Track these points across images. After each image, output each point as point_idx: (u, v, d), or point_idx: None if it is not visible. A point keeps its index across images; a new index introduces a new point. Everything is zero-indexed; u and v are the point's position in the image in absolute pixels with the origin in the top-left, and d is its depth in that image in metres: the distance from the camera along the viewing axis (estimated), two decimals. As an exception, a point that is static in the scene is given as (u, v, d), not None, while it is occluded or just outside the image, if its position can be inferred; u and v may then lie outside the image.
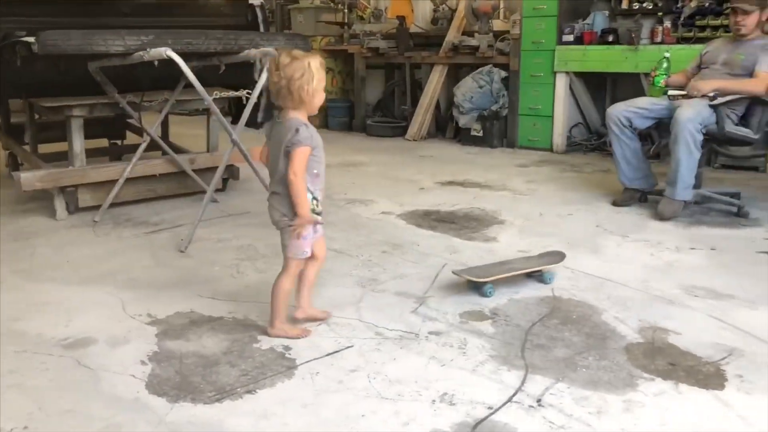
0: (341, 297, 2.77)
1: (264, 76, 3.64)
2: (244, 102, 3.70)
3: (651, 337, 2.39)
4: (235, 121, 4.19)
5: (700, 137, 3.76)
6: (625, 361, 2.21)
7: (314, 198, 2.31)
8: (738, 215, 3.95)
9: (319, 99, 2.25)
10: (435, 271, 3.08)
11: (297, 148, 2.18)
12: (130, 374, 2.15)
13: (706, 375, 2.12)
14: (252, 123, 4.52)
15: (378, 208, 4.29)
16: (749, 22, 3.93)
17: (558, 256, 3.06)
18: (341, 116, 8.12)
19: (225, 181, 4.65)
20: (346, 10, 8.05)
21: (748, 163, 5.29)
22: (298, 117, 2.24)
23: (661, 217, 3.86)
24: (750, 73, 3.89)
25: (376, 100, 8.40)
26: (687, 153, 3.76)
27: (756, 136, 3.96)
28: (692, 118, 3.72)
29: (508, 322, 2.52)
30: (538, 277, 2.94)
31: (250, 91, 3.70)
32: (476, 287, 2.79)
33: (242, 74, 4.16)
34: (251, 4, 4.63)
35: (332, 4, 8.17)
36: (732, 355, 2.23)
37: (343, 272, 3.07)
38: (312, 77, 2.18)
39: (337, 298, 2.76)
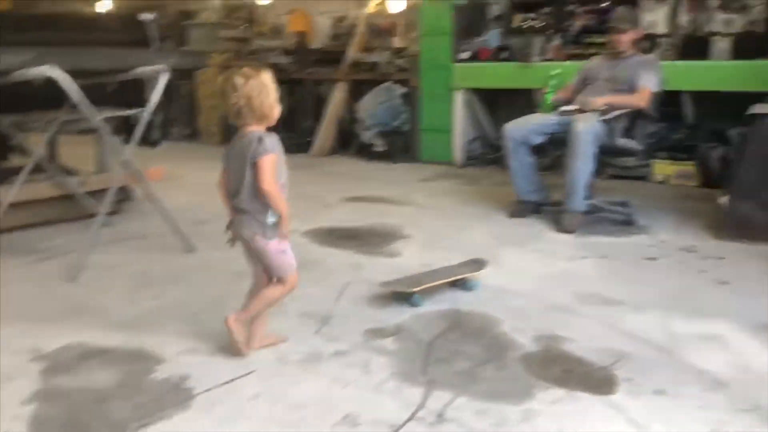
0: (242, 321, 2.70)
1: (157, 93, 3.53)
2: (136, 121, 3.56)
3: (547, 345, 2.47)
4: (127, 140, 4.03)
5: (595, 149, 3.96)
6: (522, 370, 2.27)
7: None
8: (627, 223, 4.17)
9: (277, 110, 2.28)
10: (339, 289, 3.07)
11: (263, 157, 2.18)
12: (11, 415, 2.01)
13: (599, 380, 2.21)
14: (146, 142, 4.38)
15: (280, 226, 4.23)
16: (625, 40, 4.22)
17: (480, 264, 3.17)
18: (243, 133, 7.96)
19: (119, 203, 4.46)
20: (244, 26, 7.94)
21: (634, 173, 5.59)
22: (258, 129, 2.24)
23: (566, 230, 3.99)
24: (632, 88, 4.15)
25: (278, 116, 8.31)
26: (584, 165, 3.95)
27: (640, 147, 4.23)
28: (588, 131, 3.92)
29: (411, 338, 2.54)
30: (462, 285, 3.03)
31: (142, 110, 3.57)
32: (405, 298, 2.85)
33: (134, 92, 4.01)
34: (142, 20, 4.47)
35: (230, 20, 8.04)
36: (622, 359, 2.34)
37: (244, 295, 2.99)
38: (269, 91, 2.23)
39: (237, 322, 2.69)
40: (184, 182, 5.74)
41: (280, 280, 2.35)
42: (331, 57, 7.62)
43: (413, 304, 2.82)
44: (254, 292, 2.42)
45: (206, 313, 2.80)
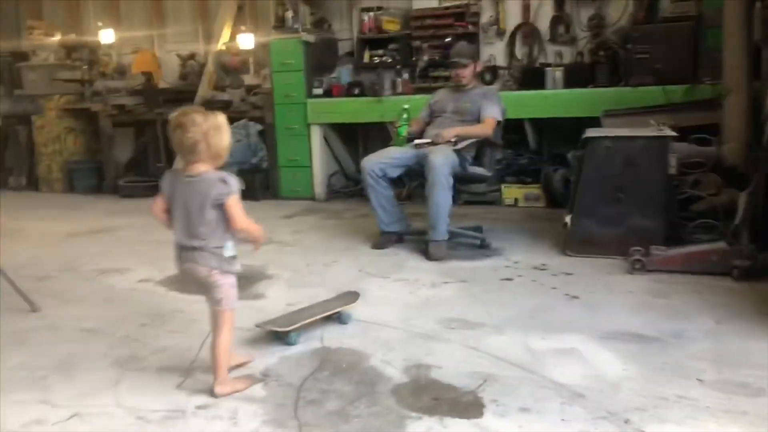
0: (95, 383, 2.51)
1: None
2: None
3: (416, 374, 2.49)
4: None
5: (452, 179, 4.10)
6: (394, 403, 2.27)
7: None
8: (481, 247, 4.35)
9: (227, 154, 2.34)
10: (201, 338, 2.92)
11: (230, 198, 2.27)
12: None
13: (467, 404, 2.25)
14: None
15: (135, 276, 4.00)
16: (467, 73, 4.47)
17: (353, 296, 3.25)
18: (88, 178, 7.53)
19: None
20: (85, 67, 7.53)
21: (485, 198, 5.86)
22: (211, 170, 2.27)
23: (435, 259, 4.07)
24: (477, 119, 4.38)
25: (128, 159, 7.94)
26: (444, 195, 4.08)
27: (489, 173, 4.46)
28: (444, 162, 4.06)
29: (280, 382, 2.47)
30: (337, 318, 3.07)
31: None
32: (280, 337, 2.83)
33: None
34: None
35: (69, 61, 7.59)
36: (487, 381, 2.41)
37: (96, 354, 2.79)
38: (225, 133, 2.30)
39: (90, 384, 2.49)
40: (22, 235, 5.30)
41: (222, 316, 2.39)
42: (181, 96, 7.39)
43: (289, 343, 2.80)
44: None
45: (55, 375, 2.58)
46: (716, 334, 2.79)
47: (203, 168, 2.28)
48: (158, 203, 2.40)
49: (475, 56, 4.55)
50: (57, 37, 7.69)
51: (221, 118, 2.30)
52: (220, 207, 2.27)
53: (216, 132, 2.27)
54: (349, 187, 6.65)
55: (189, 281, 2.44)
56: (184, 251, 2.35)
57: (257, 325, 2.93)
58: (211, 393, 2.36)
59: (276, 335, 2.85)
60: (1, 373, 2.62)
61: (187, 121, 2.24)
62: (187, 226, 2.31)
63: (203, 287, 2.39)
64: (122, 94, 7.22)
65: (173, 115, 2.29)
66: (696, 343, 2.71)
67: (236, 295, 2.41)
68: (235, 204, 2.28)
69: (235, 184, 2.28)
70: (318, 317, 2.97)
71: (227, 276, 2.37)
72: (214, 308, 2.41)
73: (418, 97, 5.66)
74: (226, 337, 2.39)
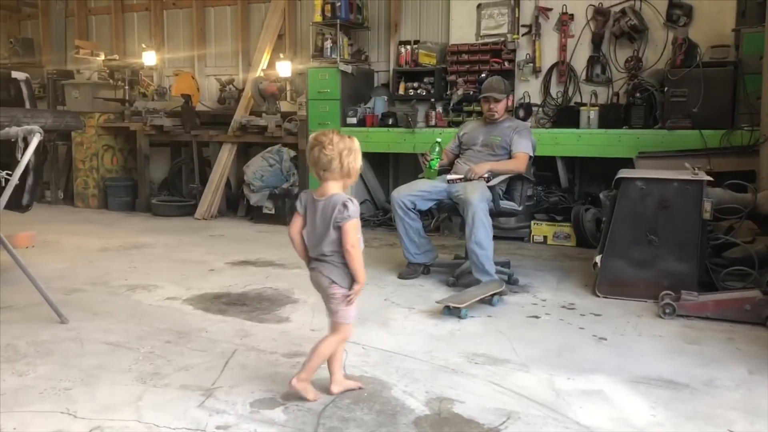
0: (118, 396, 2.52)
1: (27, 155, 3.33)
2: (3, 184, 3.33)
3: (438, 408, 2.46)
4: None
5: (490, 218, 4.07)
6: (414, 435, 2.24)
7: None
8: (509, 283, 4.30)
9: (357, 175, 2.51)
10: (224, 358, 2.94)
11: (348, 222, 2.40)
12: None
13: (489, 441, 2.21)
14: (15, 206, 4.10)
15: (162, 293, 4.04)
16: (500, 108, 4.46)
17: (499, 283, 3.86)
18: (123, 196, 7.68)
19: (-19, 271, 4.12)
20: (126, 87, 7.73)
21: (515, 234, 5.84)
22: (339, 191, 2.46)
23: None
24: (508, 153, 4.37)
25: (162, 178, 8.09)
26: (485, 234, 4.00)
27: (520, 208, 4.44)
28: (481, 198, 4.03)
29: (300, 407, 2.45)
30: (488, 301, 3.75)
31: (10, 173, 3.34)
32: (453, 313, 3.52)
33: (2, 153, 3.76)
34: (14, 78, 4.25)
35: (111, 81, 7.80)
36: (510, 419, 2.36)
37: (120, 368, 2.81)
38: (358, 155, 2.47)
39: (112, 398, 2.50)
40: (56, 248, 5.40)
41: (337, 328, 2.52)
42: (218, 119, 7.55)
43: (461, 317, 3.49)
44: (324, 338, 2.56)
45: (79, 387, 2.60)
46: (749, 384, 2.71)
47: (332, 188, 2.46)
48: (296, 223, 2.56)
49: (508, 90, 4.53)
50: (101, 57, 7.92)
51: (356, 142, 2.48)
52: (338, 229, 2.41)
53: (349, 153, 2.44)
54: (377, 216, 6.66)
55: (316, 288, 2.57)
56: (313, 261, 2.54)
57: (437, 302, 3.57)
58: (289, 384, 2.50)
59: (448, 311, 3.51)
60: (27, 383, 2.65)
61: (325, 140, 2.42)
62: (316, 241, 2.49)
63: (324, 296, 2.53)
64: (161, 115, 7.38)
65: (313, 134, 2.49)
66: (728, 392, 2.63)
67: (352, 310, 2.51)
68: (351, 229, 2.41)
69: (354, 210, 2.42)
70: (479, 298, 3.62)
71: (345, 290, 2.48)
72: (332, 319, 2.54)
73: (450, 130, 5.70)
74: (330, 347, 2.52)
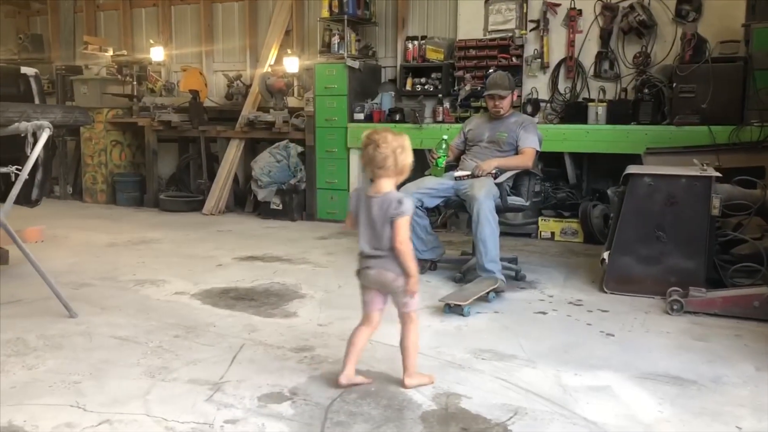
0: (126, 390, 2.54)
1: (36, 150, 3.34)
2: (13, 179, 3.35)
3: (445, 403, 2.46)
4: (3, 198, 3.78)
5: (496, 214, 4.06)
6: (421, 430, 2.25)
7: None
8: (516, 279, 4.30)
9: (408, 171, 2.59)
10: (232, 353, 2.95)
11: (400, 219, 2.48)
12: None
13: (496, 436, 2.22)
14: (24, 200, 4.12)
15: (170, 288, 4.06)
16: (505, 104, 4.44)
17: (495, 280, 3.84)
18: (131, 191, 7.72)
19: (-9, 266, 4.15)
20: (134, 83, 7.76)
21: (522, 230, 5.83)
22: (393, 188, 2.55)
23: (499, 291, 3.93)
24: (515, 148, 4.36)
25: (170, 174, 8.12)
26: (491, 230, 3.97)
27: (527, 203, 4.42)
28: (487, 196, 4.01)
29: (308, 401, 2.46)
30: (486, 297, 3.73)
31: (19, 168, 3.36)
32: (455, 311, 3.51)
33: (12, 149, 3.78)
34: (24, 74, 4.27)
35: (120, 77, 7.83)
36: (517, 414, 2.37)
37: (129, 362, 2.83)
38: (409, 152, 2.55)
39: (121, 392, 2.52)
40: (65, 243, 5.43)
41: (410, 317, 2.61)
42: (225, 115, 7.57)
43: (465, 315, 3.50)
44: (358, 331, 2.67)
45: (88, 381, 2.61)
46: (756, 381, 2.70)
47: (385, 185, 2.53)
48: (350, 219, 2.66)
49: (512, 85, 4.50)
50: (110, 53, 7.94)
51: (407, 139, 2.56)
52: (391, 225, 2.49)
53: (402, 150, 2.51)
54: (384, 213, 6.65)
55: (374, 285, 2.62)
56: (370, 259, 2.57)
57: (441, 300, 3.53)
58: (401, 384, 2.60)
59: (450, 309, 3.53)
60: (37, 376, 2.67)
61: (380, 139, 2.50)
62: (374, 238, 2.55)
63: (389, 291, 2.61)
64: (169, 110, 7.40)
65: (366, 133, 2.56)
66: (735, 388, 2.63)
67: (417, 299, 2.62)
68: (402, 225, 2.49)
69: (408, 207, 2.50)
70: (480, 294, 3.63)
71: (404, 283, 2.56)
72: (401, 311, 2.63)
73: (457, 125, 5.67)
74: (414, 337, 2.63)
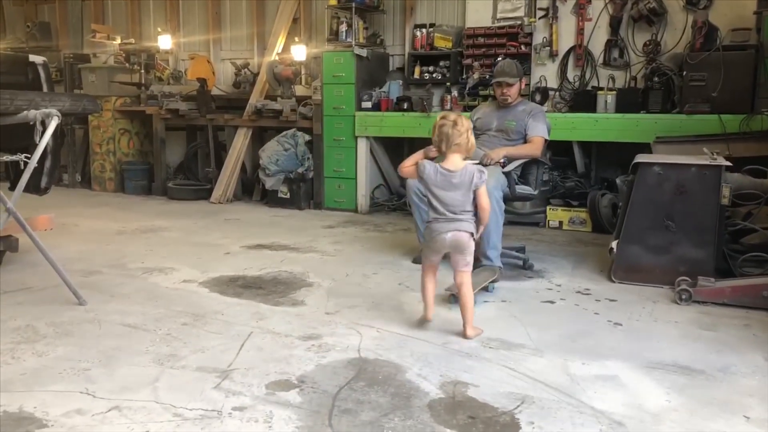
0: (135, 377, 2.55)
1: (45, 138, 3.35)
2: (22, 167, 3.36)
3: (452, 391, 2.47)
4: (13, 186, 3.80)
5: (503, 203, 4.05)
6: (428, 418, 2.25)
7: None
8: (524, 268, 4.30)
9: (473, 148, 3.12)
10: (240, 341, 2.96)
11: (482, 187, 3.03)
12: None
13: (503, 425, 2.22)
14: (34, 188, 4.14)
15: (179, 276, 4.07)
16: (513, 92, 4.41)
17: (493, 271, 3.82)
18: (139, 179, 7.74)
19: (1, 254, 4.16)
20: (142, 71, 7.76)
21: (530, 219, 5.82)
22: (466, 162, 3.06)
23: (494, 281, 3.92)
24: (523, 137, 4.34)
25: (178, 162, 8.13)
26: (495, 220, 3.95)
27: (535, 192, 4.41)
28: (496, 185, 3.98)
29: (316, 389, 2.47)
30: (485, 289, 3.71)
31: (29, 156, 3.37)
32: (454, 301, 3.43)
33: (21, 136, 3.79)
34: (32, 62, 4.27)
35: (127, 65, 7.84)
36: (524, 403, 2.37)
37: (138, 350, 2.85)
38: (471, 132, 3.06)
39: (130, 379, 2.54)
40: (74, 231, 5.46)
41: (467, 275, 3.07)
42: (233, 104, 7.57)
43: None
44: (428, 281, 3.16)
45: (97, 368, 2.63)
46: (765, 371, 2.69)
47: (459, 160, 3.03)
48: (411, 170, 3.16)
49: (520, 73, 4.47)
50: (117, 41, 7.94)
51: (469, 122, 3.08)
52: (475, 192, 3.01)
53: (467, 131, 3.02)
54: (392, 201, 6.66)
55: (448, 248, 3.05)
56: (448, 222, 3.03)
57: (446, 289, 3.51)
58: (463, 335, 3.03)
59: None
60: (47, 363, 2.69)
61: (458, 120, 3.01)
62: (455, 204, 3.02)
63: (459, 250, 3.04)
64: (176, 98, 7.40)
65: (441, 115, 3.09)
66: (744, 378, 2.62)
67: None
68: (485, 193, 3.04)
69: (484, 177, 3.03)
70: (483, 285, 3.61)
71: (474, 241, 3.08)
72: (460, 270, 3.06)
73: (466, 114, 5.65)
74: (469, 288, 3.08)
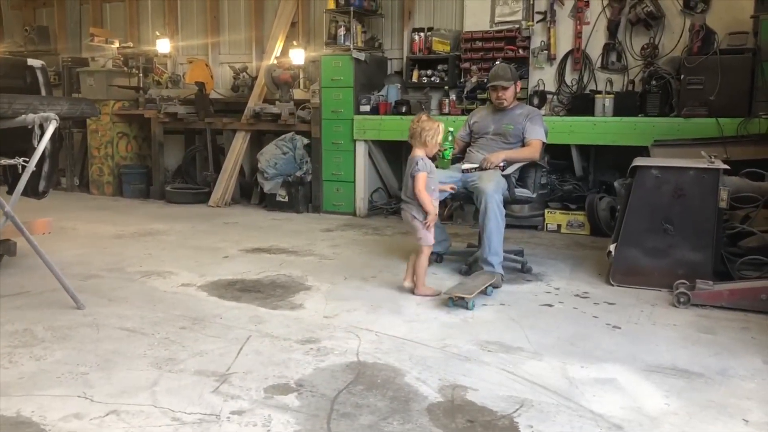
0: (133, 381, 2.55)
1: (43, 142, 3.35)
2: (20, 170, 3.36)
3: (451, 395, 2.47)
4: (11, 190, 3.79)
5: (503, 207, 4.05)
6: (427, 422, 2.25)
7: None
8: (522, 271, 4.30)
9: (436, 146, 3.81)
10: (239, 344, 2.96)
11: (418, 174, 3.67)
12: None
13: (502, 429, 2.22)
14: (32, 192, 4.13)
15: (177, 280, 4.07)
16: (508, 95, 4.41)
17: (492, 276, 3.85)
18: (137, 183, 7.74)
19: (-1, 257, 4.16)
20: (141, 75, 7.76)
21: (528, 222, 5.82)
22: (420, 154, 3.73)
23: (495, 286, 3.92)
24: (521, 140, 4.34)
25: (176, 165, 8.13)
26: (496, 224, 3.96)
27: (534, 195, 4.41)
28: (496, 189, 3.99)
29: (314, 393, 2.47)
30: (484, 291, 3.71)
31: (27, 159, 3.37)
32: (458, 304, 3.52)
33: (19, 140, 3.79)
34: (30, 66, 4.27)
35: (126, 69, 7.84)
36: (523, 407, 2.37)
37: (136, 353, 2.84)
38: (436, 132, 3.74)
39: (128, 383, 2.53)
40: (72, 235, 5.45)
41: (420, 249, 3.75)
42: (231, 107, 7.58)
43: (469, 308, 3.51)
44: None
45: (95, 372, 2.63)
46: (763, 374, 2.69)
47: (417, 152, 3.75)
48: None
49: (515, 77, 4.48)
50: (116, 45, 7.94)
51: (439, 124, 3.76)
52: (413, 178, 3.66)
53: (430, 130, 3.71)
54: (390, 204, 6.66)
55: (406, 223, 3.85)
56: (403, 203, 3.82)
57: (444, 293, 3.62)
58: (412, 292, 3.76)
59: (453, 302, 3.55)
60: (45, 367, 2.69)
61: (422, 122, 3.74)
62: (404, 188, 3.78)
63: (411, 229, 3.80)
64: (175, 102, 7.41)
65: (417, 116, 3.83)
66: (742, 381, 2.62)
67: (429, 236, 3.76)
68: (419, 178, 3.65)
69: (423, 166, 3.68)
70: (481, 288, 3.66)
71: (421, 222, 3.72)
72: (417, 243, 3.76)
73: (464, 117, 5.66)
74: (424, 262, 3.75)
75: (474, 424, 2.24)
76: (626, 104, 5.42)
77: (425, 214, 3.69)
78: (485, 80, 6.01)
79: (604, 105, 5.48)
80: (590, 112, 5.54)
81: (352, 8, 6.35)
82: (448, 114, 6.12)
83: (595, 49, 5.93)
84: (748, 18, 5.11)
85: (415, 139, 3.72)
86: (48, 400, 2.38)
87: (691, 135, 4.94)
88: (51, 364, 2.72)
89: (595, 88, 5.88)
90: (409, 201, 3.73)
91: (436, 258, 4.50)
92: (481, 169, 4.23)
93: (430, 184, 3.71)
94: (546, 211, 5.78)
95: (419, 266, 3.73)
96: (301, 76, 7.15)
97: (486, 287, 3.73)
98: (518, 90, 4.55)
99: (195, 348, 2.92)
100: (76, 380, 2.56)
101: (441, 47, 6.39)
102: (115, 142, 7.79)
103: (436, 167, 4.47)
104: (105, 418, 2.25)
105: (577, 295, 3.81)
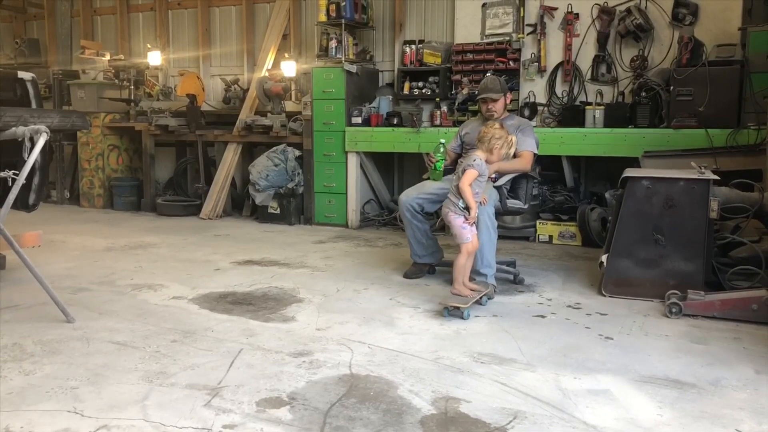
0: (124, 395, 2.52)
1: (34, 154, 3.34)
2: (10, 183, 3.34)
3: (444, 407, 2.46)
4: (0, 203, 3.76)
5: (495, 219, 4.05)
6: (421, 435, 2.24)
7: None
8: (514, 282, 4.30)
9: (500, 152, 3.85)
10: (230, 358, 2.94)
11: (469, 170, 3.69)
12: None
13: (495, 440, 2.21)
14: (22, 205, 4.11)
15: (168, 293, 4.05)
16: (498, 107, 4.42)
17: (487, 285, 3.87)
18: (128, 195, 7.70)
19: (-12, 271, 4.13)
20: (132, 87, 7.75)
21: (520, 234, 5.83)
22: (481, 156, 3.76)
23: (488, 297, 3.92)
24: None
25: (167, 178, 8.11)
26: (488, 236, 3.96)
27: (525, 206, 4.41)
28: (488, 201, 3.99)
29: (307, 406, 2.45)
30: (479, 300, 3.72)
31: (17, 172, 3.35)
32: (454, 314, 3.55)
33: (9, 153, 3.77)
34: (21, 78, 4.26)
35: (117, 81, 7.82)
36: (516, 418, 2.36)
37: (127, 367, 2.82)
38: (500, 138, 3.81)
39: (119, 397, 2.51)
40: (62, 248, 5.42)
41: (459, 247, 3.70)
42: (223, 119, 7.57)
43: (465, 318, 3.53)
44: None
45: (85, 386, 2.60)
46: (756, 384, 2.70)
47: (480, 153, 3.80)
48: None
49: (504, 89, 4.49)
50: (107, 57, 7.94)
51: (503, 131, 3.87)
52: (464, 172, 3.70)
53: (497, 136, 3.80)
54: (382, 216, 6.66)
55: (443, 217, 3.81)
56: (446, 199, 3.82)
57: (440, 303, 3.65)
58: (451, 291, 3.70)
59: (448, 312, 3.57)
60: (34, 381, 2.66)
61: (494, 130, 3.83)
62: (452, 184, 3.82)
63: (447, 224, 3.80)
64: (166, 114, 7.40)
65: (495, 123, 4.02)
66: (735, 392, 2.63)
67: (466, 234, 3.67)
68: (469, 174, 3.66)
69: (478, 165, 3.70)
70: (477, 297, 3.68)
71: (459, 218, 3.68)
72: (456, 244, 3.75)
73: (455, 129, 5.68)
74: (460, 259, 3.68)
75: (467, 437, 2.23)
76: (616, 116, 5.46)
77: (465, 209, 3.66)
78: (476, 92, 6.05)
79: (594, 116, 5.51)
80: (581, 123, 5.57)
81: (343, 21, 6.37)
82: (440, 126, 6.14)
83: (585, 61, 5.97)
84: (735, 30, 5.16)
85: (483, 143, 3.78)
86: (37, 415, 2.35)
87: (681, 146, 4.98)
88: (40, 379, 2.69)
89: (585, 100, 5.92)
90: (452, 196, 3.73)
91: (429, 268, 4.50)
92: None
93: (476, 187, 3.71)
94: (538, 222, 5.80)
95: (456, 265, 3.69)
96: (292, 88, 7.16)
97: (481, 297, 3.73)
98: (508, 102, 4.57)
99: (186, 361, 2.89)
100: (65, 395, 2.53)
101: (432, 59, 6.41)
102: (106, 155, 7.77)
103: (428, 179, 4.50)
104: (95, 433, 2.23)
105: (570, 306, 3.82)
